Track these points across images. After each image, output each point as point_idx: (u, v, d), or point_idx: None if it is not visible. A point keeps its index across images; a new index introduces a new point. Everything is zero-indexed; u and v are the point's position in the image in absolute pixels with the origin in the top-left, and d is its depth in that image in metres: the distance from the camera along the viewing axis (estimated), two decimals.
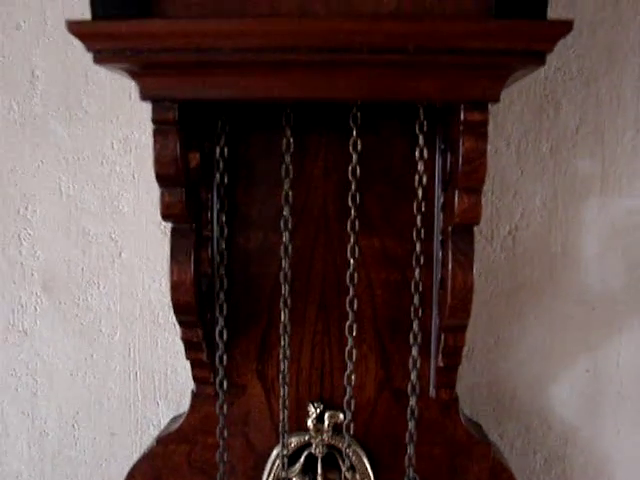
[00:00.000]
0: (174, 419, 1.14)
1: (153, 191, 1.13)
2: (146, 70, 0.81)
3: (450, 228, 0.90)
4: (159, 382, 1.19)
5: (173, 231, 0.92)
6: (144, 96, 0.82)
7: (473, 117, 0.82)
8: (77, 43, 1.08)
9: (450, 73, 0.79)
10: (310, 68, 0.79)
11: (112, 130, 1.15)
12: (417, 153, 0.95)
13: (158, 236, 1.15)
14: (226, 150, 0.97)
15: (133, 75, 0.82)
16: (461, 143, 0.83)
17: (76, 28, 0.78)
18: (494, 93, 0.81)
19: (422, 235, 0.98)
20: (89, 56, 1.07)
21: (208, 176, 0.99)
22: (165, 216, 0.90)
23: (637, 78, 1.13)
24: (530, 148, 1.13)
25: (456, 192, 0.86)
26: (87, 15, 1.02)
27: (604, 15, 1.12)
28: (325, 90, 0.81)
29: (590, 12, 1.12)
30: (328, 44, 0.77)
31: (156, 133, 0.85)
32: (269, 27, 0.76)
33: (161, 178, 0.87)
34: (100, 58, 0.80)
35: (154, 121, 0.84)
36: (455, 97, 0.82)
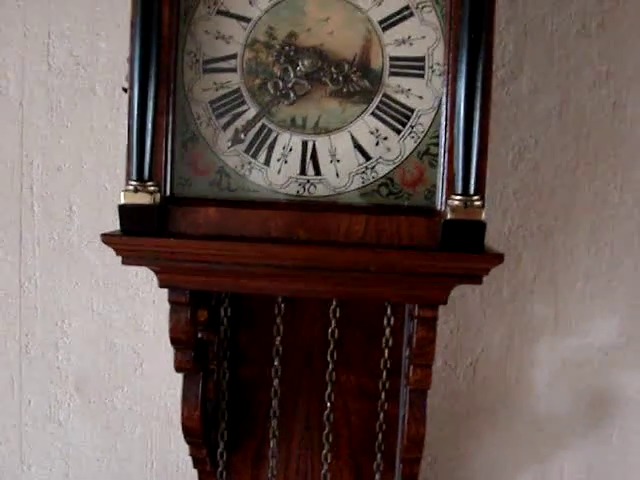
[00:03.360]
0: None
1: None
2: (163, 269, 1.01)
3: (408, 389, 1.09)
4: (172, 471, 1.41)
5: (185, 378, 1.13)
6: (162, 285, 1.03)
7: (425, 314, 1.01)
8: (109, 185, 1.31)
9: (405, 285, 0.98)
10: (294, 277, 0.99)
11: None
12: (385, 321, 1.15)
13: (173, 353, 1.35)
14: (229, 310, 1.17)
15: (153, 270, 1.02)
16: (415, 332, 1.02)
17: (109, 240, 0.98)
18: (442, 298, 0.99)
19: (387, 386, 1.19)
20: (119, 195, 1.29)
21: (214, 323, 1.20)
22: (178, 369, 1.10)
23: (589, 234, 1.30)
24: (492, 294, 1.31)
25: (411, 367, 1.05)
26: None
27: (561, 180, 1.30)
28: (306, 292, 1.02)
29: (550, 176, 1.30)
30: (308, 264, 0.96)
31: (171, 311, 1.05)
32: (261, 250, 0.96)
33: (175, 342, 1.08)
34: (127, 261, 1.00)
35: (170, 302, 1.05)
36: (410, 301, 1.02)
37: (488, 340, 1.33)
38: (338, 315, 1.15)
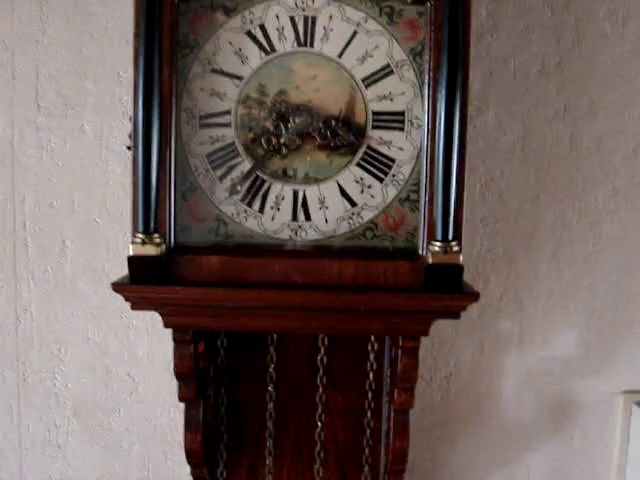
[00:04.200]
0: None
1: (163, 341, 1.42)
2: (169, 312, 1.09)
3: (392, 409, 1.20)
4: None
5: (186, 407, 1.22)
6: (167, 325, 1.10)
7: (408, 344, 1.12)
8: (100, 220, 1.37)
9: (391, 320, 1.09)
10: (290, 317, 1.08)
11: None
12: (369, 347, 1.25)
13: (167, 376, 1.43)
14: (225, 341, 1.26)
15: (159, 313, 1.10)
16: (399, 360, 1.13)
17: (119, 288, 1.06)
18: (424, 331, 1.10)
19: (372, 405, 1.29)
20: (110, 230, 1.37)
21: (210, 352, 1.28)
22: (182, 399, 1.19)
23: (550, 257, 1.43)
24: (463, 313, 1.42)
25: (395, 390, 1.16)
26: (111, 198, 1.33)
27: (524, 208, 1.41)
28: (301, 328, 1.11)
29: (514, 204, 1.41)
30: (303, 306, 1.06)
31: (176, 348, 1.13)
32: (261, 295, 1.05)
33: (179, 376, 1.16)
34: (136, 306, 1.08)
35: (174, 340, 1.13)
36: (395, 333, 1.13)
37: (460, 355, 1.45)
38: (326, 343, 1.25)
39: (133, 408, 1.47)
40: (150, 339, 1.44)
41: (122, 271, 1.36)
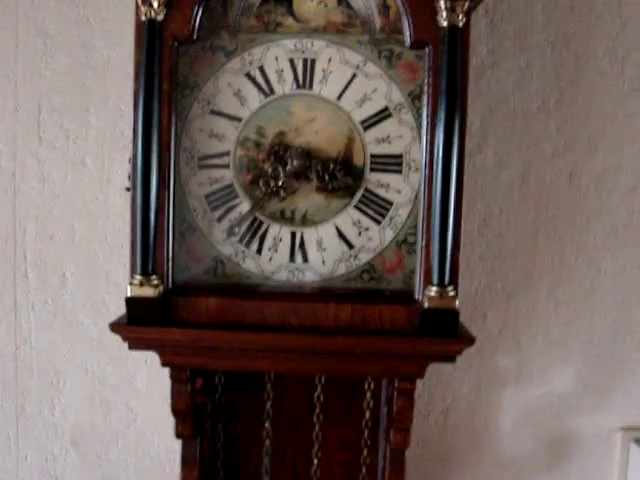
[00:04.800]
0: None
1: (162, 374, 1.41)
2: (166, 352, 1.09)
3: (389, 449, 1.20)
4: None
5: (183, 443, 1.22)
6: (164, 364, 1.11)
7: (404, 386, 1.12)
8: (100, 253, 1.38)
9: (387, 364, 1.09)
10: (286, 358, 1.08)
11: None
12: (366, 385, 1.25)
13: (166, 408, 1.43)
14: (223, 378, 1.26)
15: (157, 352, 1.10)
16: (395, 401, 1.13)
17: (117, 328, 1.06)
18: (420, 373, 1.10)
19: (368, 443, 1.29)
20: (110, 263, 1.37)
21: (208, 387, 1.28)
22: (179, 436, 1.19)
23: (548, 294, 1.43)
24: None
25: (391, 431, 1.17)
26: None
27: (523, 245, 1.42)
28: (298, 370, 1.12)
29: (513, 241, 1.42)
30: (299, 348, 1.06)
31: (173, 386, 1.14)
32: (257, 338, 1.05)
33: (176, 413, 1.16)
34: (133, 346, 1.08)
35: (171, 378, 1.13)
36: (391, 375, 1.13)
37: (457, 390, 1.45)
38: (323, 381, 1.25)
39: (131, 440, 1.47)
40: (149, 371, 1.45)
41: (121, 303, 1.35)
